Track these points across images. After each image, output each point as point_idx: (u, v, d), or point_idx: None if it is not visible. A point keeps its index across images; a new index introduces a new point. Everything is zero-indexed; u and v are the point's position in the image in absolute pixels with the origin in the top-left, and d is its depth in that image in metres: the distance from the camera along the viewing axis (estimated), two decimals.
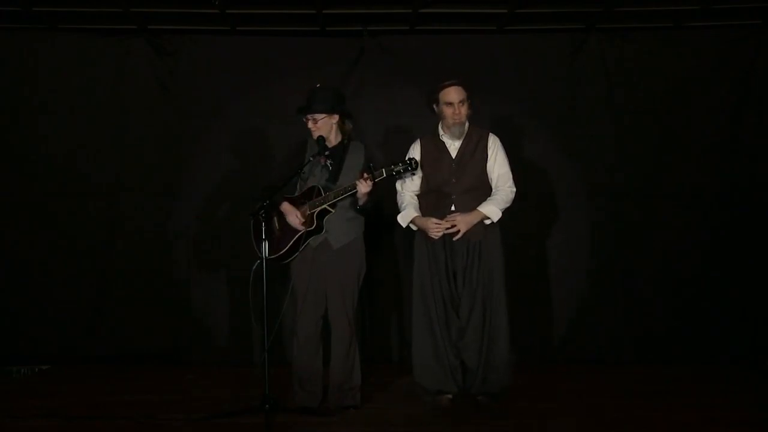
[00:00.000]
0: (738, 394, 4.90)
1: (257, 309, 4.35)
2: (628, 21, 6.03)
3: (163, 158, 6.06)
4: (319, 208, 4.36)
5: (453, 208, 4.52)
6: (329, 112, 4.46)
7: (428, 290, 4.56)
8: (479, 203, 4.52)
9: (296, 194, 4.50)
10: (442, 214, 4.52)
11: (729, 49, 5.98)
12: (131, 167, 6.05)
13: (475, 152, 4.59)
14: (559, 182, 6.03)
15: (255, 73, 6.08)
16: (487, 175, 4.60)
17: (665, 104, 6.02)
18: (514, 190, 4.60)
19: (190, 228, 6.02)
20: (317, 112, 4.43)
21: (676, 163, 5.99)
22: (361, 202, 4.38)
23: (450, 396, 4.59)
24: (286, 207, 4.43)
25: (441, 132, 4.66)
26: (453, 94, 4.54)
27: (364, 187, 4.24)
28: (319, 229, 4.40)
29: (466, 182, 4.55)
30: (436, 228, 4.47)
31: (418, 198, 4.66)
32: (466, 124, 4.64)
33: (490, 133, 4.66)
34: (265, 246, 4.28)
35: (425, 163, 4.60)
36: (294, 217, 4.38)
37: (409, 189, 4.65)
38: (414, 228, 4.64)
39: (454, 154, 4.60)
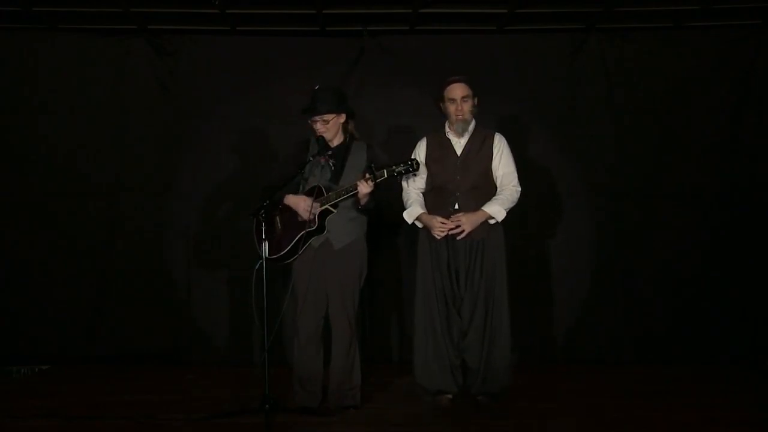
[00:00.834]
0: (738, 394, 4.90)
1: (258, 309, 4.35)
2: (628, 21, 6.03)
3: (163, 158, 6.06)
4: (320, 209, 4.36)
5: (456, 206, 4.52)
6: (337, 111, 4.46)
7: (430, 289, 4.57)
8: (483, 202, 4.52)
9: (298, 194, 4.49)
10: (445, 211, 4.52)
11: (729, 49, 5.98)
12: (131, 167, 6.05)
13: (480, 151, 4.58)
14: (559, 182, 6.03)
15: (255, 73, 6.08)
16: (492, 174, 4.59)
17: (665, 104, 6.02)
18: (519, 189, 4.60)
19: (190, 228, 6.02)
20: (328, 113, 4.43)
21: (676, 163, 5.99)
22: (362, 203, 4.38)
23: (450, 396, 4.59)
24: (291, 198, 4.42)
25: (447, 130, 4.66)
26: (456, 90, 4.55)
27: (364, 187, 4.24)
28: (320, 229, 4.39)
29: (470, 180, 4.55)
30: (440, 227, 4.47)
31: (423, 195, 4.66)
32: (472, 123, 4.63)
33: (497, 133, 4.66)
34: (265, 246, 4.27)
35: (431, 161, 4.61)
36: (303, 203, 4.35)
37: (415, 186, 4.65)
38: (419, 225, 4.64)
39: (459, 152, 4.60)
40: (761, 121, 5.96)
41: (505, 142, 4.63)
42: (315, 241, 4.43)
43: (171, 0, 5.70)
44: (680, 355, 5.84)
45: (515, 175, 4.60)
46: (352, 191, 4.30)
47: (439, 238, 4.50)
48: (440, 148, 4.62)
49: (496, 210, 4.50)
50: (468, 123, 4.58)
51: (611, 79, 6.02)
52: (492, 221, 4.53)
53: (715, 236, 5.95)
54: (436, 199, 4.59)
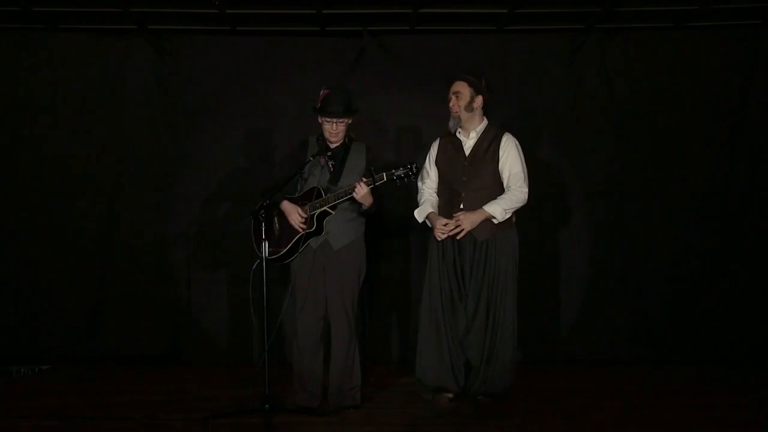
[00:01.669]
0: (738, 394, 4.90)
1: (257, 309, 4.35)
2: (628, 21, 6.03)
3: (163, 158, 6.06)
4: (319, 210, 4.36)
5: (462, 206, 4.52)
6: (353, 114, 4.47)
7: (436, 286, 4.59)
8: (488, 202, 4.52)
9: (296, 195, 4.50)
10: (452, 211, 4.53)
11: (729, 49, 5.98)
12: (131, 167, 6.05)
13: (488, 151, 4.58)
14: (558, 182, 6.03)
15: (255, 73, 6.08)
16: (498, 174, 4.59)
17: (665, 104, 6.02)
18: (526, 190, 4.58)
19: (190, 228, 6.01)
20: (349, 115, 4.43)
21: (676, 163, 5.99)
22: (364, 207, 4.38)
23: (450, 395, 4.60)
24: (286, 206, 4.43)
25: (458, 130, 4.66)
26: (452, 86, 4.59)
27: (360, 189, 4.24)
28: (319, 230, 4.40)
29: (476, 181, 4.55)
30: (441, 229, 4.49)
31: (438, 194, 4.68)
32: (483, 123, 4.63)
33: (506, 133, 4.65)
34: (265, 246, 4.27)
35: (441, 161, 4.63)
36: (296, 215, 4.38)
37: (429, 186, 4.68)
38: (429, 224, 4.65)
39: (467, 152, 4.60)
40: (761, 121, 5.95)
41: (514, 142, 4.62)
42: (314, 242, 4.43)
43: (171, 0, 5.70)
44: (680, 355, 5.84)
45: (522, 176, 4.58)
46: (350, 193, 4.30)
47: (439, 239, 4.50)
48: (451, 148, 4.64)
49: (496, 210, 4.49)
50: (460, 120, 4.58)
51: (611, 80, 6.01)
52: (495, 221, 4.52)
53: (716, 236, 5.94)
54: (444, 199, 4.61)
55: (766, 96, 5.95)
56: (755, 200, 5.94)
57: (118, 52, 6.04)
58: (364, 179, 4.26)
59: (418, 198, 4.71)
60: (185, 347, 5.99)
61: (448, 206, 4.56)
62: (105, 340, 5.97)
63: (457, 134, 4.65)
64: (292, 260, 4.46)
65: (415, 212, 4.67)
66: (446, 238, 4.51)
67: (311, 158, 4.42)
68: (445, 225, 4.48)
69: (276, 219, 4.46)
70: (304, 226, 4.37)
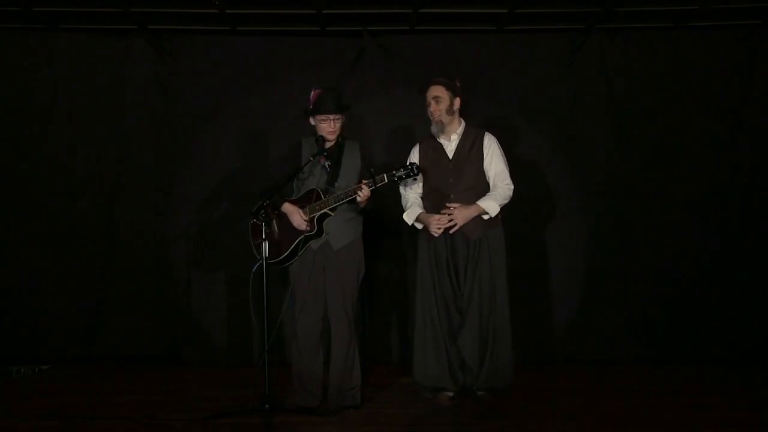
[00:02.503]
0: (738, 394, 4.90)
1: (258, 310, 4.35)
2: (628, 21, 6.03)
3: (163, 158, 6.06)
4: (319, 213, 4.36)
5: (453, 204, 4.54)
6: (346, 111, 4.48)
7: (429, 287, 4.60)
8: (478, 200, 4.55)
9: (294, 197, 4.49)
10: (441, 212, 4.55)
11: (729, 49, 5.98)
12: (131, 167, 6.05)
13: (471, 152, 4.62)
14: (558, 182, 6.03)
15: (255, 73, 6.08)
16: (484, 174, 4.62)
17: (665, 104, 6.02)
18: (512, 187, 4.62)
19: (190, 228, 6.01)
20: (342, 112, 4.44)
21: (676, 163, 5.99)
22: (361, 206, 4.39)
23: (450, 394, 4.60)
24: (288, 208, 4.42)
25: (438, 133, 4.68)
26: (429, 92, 4.60)
27: (363, 195, 4.27)
28: (319, 232, 4.40)
29: (463, 182, 4.58)
30: (436, 223, 4.49)
31: (422, 199, 4.68)
32: (462, 125, 4.67)
33: (486, 133, 4.69)
34: (265, 245, 4.27)
35: (424, 165, 4.62)
36: (298, 217, 4.37)
37: (414, 191, 4.69)
38: (419, 226, 4.66)
39: (450, 155, 4.63)
40: (761, 120, 5.95)
41: (496, 141, 4.67)
42: (314, 243, 4.43)
43: (171, 0, 5.71)
44: (680, 355, 5.84)
45: (507, 173, 4.63)
46: (351, 196, 4.30)
47: (436, 235, 4.51)
48: (433, 151, 4.65)
49: (490, 205, 4.53)
50: (443, 124, 4.60)
51: (611, 79, 6.02)
52: (486, 217, 4.54)
53: (716, 236, 5.94)
54: (432, 202, 4.61)
55: (766, 96, 5.95)
56: (755, 200, 5.94)
57: (118, 52, 6.04)
58: (365, 181, 4.27)
59: (403, 203, 4.72)
60: (185, 347, 5.99)
61: (437, 209, 4.57)
62: (105, 340, 5.97)
63: (438, 138, 4.66)
64: (291, 263, 4.46)
65: (404, 216, 4.69)
66: (440, 235, 4.52)
67: (311, 158, 4.41)
68: (439, 219, 4.49)
69: (275, 222, 4.45)
70: (308, 227, 4.37)
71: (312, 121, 4.49)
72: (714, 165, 5.97)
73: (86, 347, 5.96)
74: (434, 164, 4.62)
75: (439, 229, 4.51)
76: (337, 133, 4.47)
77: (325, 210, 4.35)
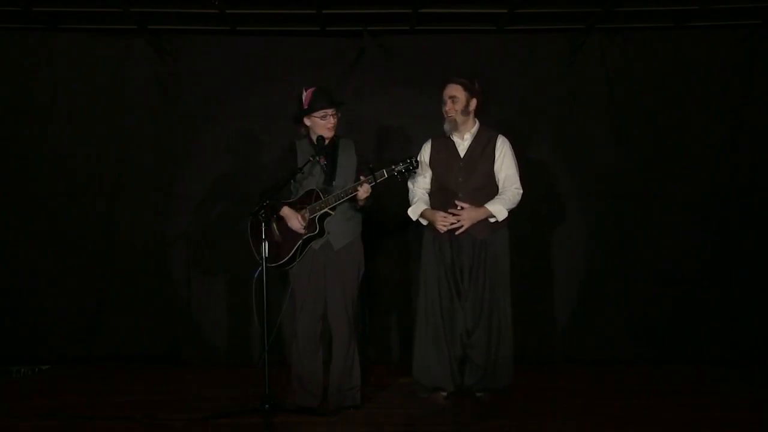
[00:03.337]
0: (738, 394, 4.90)
1: (259, 310, 4.35)
2: (629, 21, 6.03)
3: (163, 158, 6.06)
4: (320, 213, 4.36)
5: (460, 207, 4.55)
6: (341, 106, 4.49)
7: (433, 285, 4.61)
8: (485, 203, 4.56)
9: (293, 198, 4.49)
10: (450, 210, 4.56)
11: (729, 49, 5.98)
12: (131, 167, 6.05)
13: (483, 153, 4.62)
14: (558, 182, 6.03)
15: (255, 73, 6.08)
16: (494, 175, 4.63)
17: (665, 104, 6.02)
18: (521, 191, 4.64)
19: (190, 228, 6.01)
20: (338, 107, 4.45)
21: (676, 163, 5.99)
22: (361, 204, 4.39)
23: (445, 393, 4.61)
24: (286, 211, 4.42)
25: (451, 132, 4.68)
26: (446, 90, 4.61)
27: (364, 192, 4.27)
28: (321, 233, 4.39)
29: (473, 182, 4.58)
30: (443, 221, 4.50)
31: (429, 195, 4.69)
32: (476, 126, 4.68)
33: (500, 135, 4.70)
34: (265, 246, 4.27)
35: (435, 162, 4.64)
36: (296, 221, 4.37)
37: (420, 186, 4.70)
38: (423, 222, 4.66)
39: (462, 154, 4.64)
40: (761, 120, 5.95)
41: (508, 144, 4.68)
42: (315, 243, 4.43)
43: (171, 0, 5.70)
44: (680, 355, 5.84)
45: (517, 177, 4.64)
46: (351, 194, 4.30)
47: (442, 231, 4.51)
48: (445, 149, 4.65)
49: (498, 209, 4.54)
50: (456, 123, 4.60)
51: (611, 79, 6.02)
52: (492, 219, 4.55)
53: (716, 236, 5.94)
54: (440, 199, 4.62)
55: (766, 96, 5.95)
56: (755, 200, 5.94)
57: (118, 52, 6.04)
58: (364, 177, 4.27)
59: (410, 198, 4.73)
60: (185, 347, 5.99)
61: (445, 206, 4.58)
62: (105, 340, 5.97)
63: (451, 136, 4.66)
64: (293, 266, 4.45)
65: (409, 211, 4.70)
66: (446, 234, 4.53)
67: (311, 158, 4.40)
68: (445, 218, 4.51)
69: (275, 225, 4.45)
70: (305, 231, 4.37)
71: (307, 122, 4.47)
72: (714, 165, 5.97)
73: (86, 347, 5.96)
74: (445, 162, 4.63)
75: (445, 226, 4.51)
76: (334, 129, 4.47)
77: (325, 209, 4.35)
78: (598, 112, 6.03)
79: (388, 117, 6.02)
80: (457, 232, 4.52)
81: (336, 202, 4.33)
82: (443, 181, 4.62)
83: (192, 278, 5.99)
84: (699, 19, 5.97)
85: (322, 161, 4.46)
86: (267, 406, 4.15)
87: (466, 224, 4.50)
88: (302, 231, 4.36)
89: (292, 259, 4.40)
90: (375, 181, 4.28)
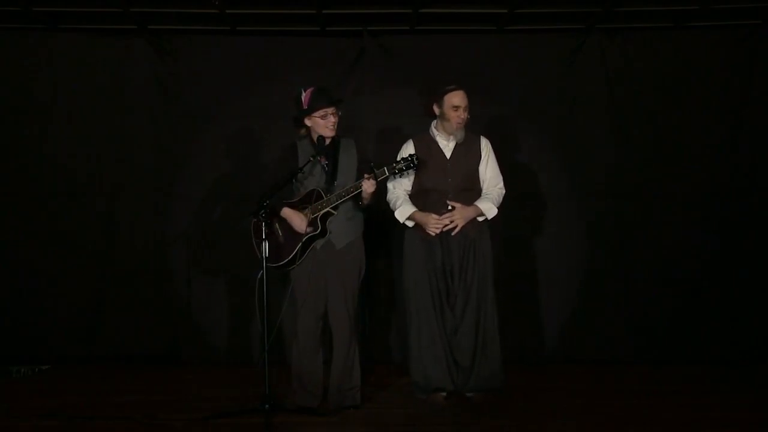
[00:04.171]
0: (738, 394, 4.90)
1: (260, 310, 4.35)
2: (629, 21, 6.03)
3: (163, 158, 6.06)
4: (322, 212, 4.36)
5: (450, 207, 4.56)
6: (341, 104, 4.49)
7: (424, 287, 4.60)
8: (472, 203, 4.59)
9: (295, 199, 4.49)
10: (440, 212, 4.57)
11: (729, 49, 5.98)
12: (131, 167, 6.05)
13: (468, 154, 4.66)
14: (558, 182, 6.03)
15: (255, 73, 6.08)
16: (478, 176, 4.66)
17: (665, 104, 6.02)
18: (504, 192, 4.71)
19: (190, 228, 6.01)
20: (338, 105, 4.45)
21: (676, 163, 5.99)
22: (365, 202, 4.39)
23: (444, 394, 4.61)
24: (287, 212, 4.42)
25: (435, 132, 4.71)
26: (460, 98, 4.62)
27: (369, 187, 4.26)
28: (323, 233, 4.39)
29: (460, 182, 4.61)
30: (435, 224, 4.50)
31: (410, 197, 4.68)
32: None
33: (482, 136, 4.75)
34: (266, 246, 4.26)
35: (420, 163, 4.62)
36: (298, 219, 4.37)
37: (401, 188, 4.69)
38: (410, 225, 4.66)
39: (448, 155, 4.66)
40: (761, 120, 5.96)
41: (491, 146, 4.74)
42: (317, 243, 4.42)
43: (171, 0, 5.70)
44: (680, 355, 5.84)
45: (500, 177, 4.72)
46: (353, 192, 4.30)
47: (434, 234, 4.51)
48: (428, 150, 4.65)
49: (489, 207, 4.60)
50: (463, 130, 4.66)
51: (611, 79, 6.02)
52: (482, 218, 4.58)
53: (716, 236, 5.94)
54: (427, 201, 4.62)
55: (766, 96, 5.95)
56: (755, 200, 5.94)
57: (118, 52, 6.04)
58: (366, 175, 4.27)
59: (391, 199, 4.70)
60: (185, 347, 5.99)
61: (433, 206, 4.58)
62: (105, 340, 5.97)
63: (435, 137, 4.67)
64: (295, 267, 4.44)
65: (396, 213, 4.68)
66: (433, 236, 4.53)
67: (312, 158, 4.40)
68: (439, 220, 4.51)
69: (277, 226, 4.45)
70: (309, 229, 4.36)
71: (308, 122, 4.47)
72: (714, 165, 5.97)
73: (86, 347, 5.96)
74: (430, 163, 4.62)
75: (438, 229, 4.51)
76: (335, 128, 4.46)
77: (327, 209, 4.35)
78: (598, 112, 6.04)
79: (388, 117, 6.02)
80: (453, 233, 4.52)
81: (338, 201, 4.33)
82: (430, 183, 4.62)
83: (192, 278, 5.99)
84: (699, 19, 5.97)
85: (323, 161, 4.46)
86: (267, 406, 4.15)
87: (461, 223, 4.52)
88: (305, 230, 4.35)
89: (294, 260, 4.40)
90: (376, 179, 4.29)
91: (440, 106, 4.66)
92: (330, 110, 4.40)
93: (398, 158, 4.43)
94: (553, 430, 4.19)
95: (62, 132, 6.01)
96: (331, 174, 4.44)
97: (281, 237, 4.42)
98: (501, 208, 4.69)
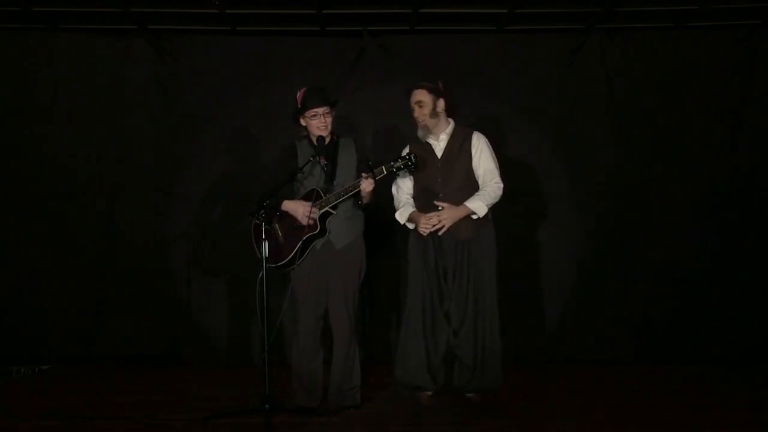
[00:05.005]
0: (738, 394, 4.90)
1: (260, 311, 4.34)
2: (629, 21, 6.03)
3: (163, 158, 6.06)
4: (321, 211, 4.35)
5: (441, 207, 4.53)
6: (334, 105, 4.48)
7: (417, 288, 4.60)
8: (466, 199, 4.55)
9: (295, 199, 4.48)
10: (431, 212, 4.55)
11: (729, 49, 5.99)
12: (131, 167, 6.05)
13: (460, 151, 4.62)
14: (558, 182, 6.03)
15: (255, 73, 6.08)
16: (473, 172, 4.62)
17: (665, 104, 6.02)
18: (501, 185, 4.59)
19: (190, 228, 6.01)
20: (330, 105, 4.44)
21: (676, 163, 6.00)
22: (364, 201, 4.39)
23: (429, 393, 4.62)
24: (289, 204, 4.41)
25: (425, 136, 4.69)
26: (412, 97, 4.61)
27: (368, 185, 4.26)
28: (322, 232, 4.39)
29: (452, 181, 4.57)
30: (424, 224, 4.50)
31: (413, 199, 4.69)
32: (450, 125, 4.66)
33: (475, 132, 4.68)
34: (266, 246, 4.26)
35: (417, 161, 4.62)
36: (302, 208, 4.34)
37: (404, 192, 4.69)
38: (410, 226, 4.66)
39: (439, 155, 4.63)
40: (761, 120, 5.96)
41: (485, 140, 4.65)
42: (317, 243, 4.42)
43: (171, 0, 5.71)
44: (680, 355, 5.84)
45: (496, 172, 4.60)
46: (353, 191, 4.30)
47: (424, 234, 4.51)
48: (422, 151, 4.63)
49: (478, 205, 4.51)
50: (428, 127, 4.60)
51: (611, 79, 6.02)
52: (474, 216, 4.53)
53: (716, 236, 5.94)
54: (422, 201, 4.62)
55: (766, 96, 5.95)
56: (755, 200, 5.94)
57: (118, 52, 6.05)
58: (365, 174, 4.27)
59: (396, 202, 4.71)
60: (185, 347, 5.99)
61: (426, 208, 4.57)
62: (105, 340, 5.97)
63: (426, 139, 4.66)
64: (295, 266, 4.44)
65: (396, 215, 4.68)
66: (429, 236, 4.52)
67: (311, 158, 4.40)
68: (428, 219, 4.49)
69: (277, 226, 4.44)
70: (313, 220, 4.34)
71: (302, 122, 4.47)
72: (714, 165, 5.98)
73: (86, 347, 5.96)
74: (423, 164, 4.60)
75: (427, 228, 4.51)
76: (329, 128, 4.46)
77: (327, 208, 4.35)
78: (598, 112, 6.04)
79: (388, 117, 6.01)
80: (440, 233, 4.51)
81: (337, 200, 4.33)
82: (424, 184, 4.61)
83: (192, 278, 5.99)
84: (699, 19, 5.98)
85: (322, 161, 4.46)
86: (267, 406, 4.14)
87: (448, 223, 4.48)
88: (310, 221, 4.33)
89: (294, 260, 4.40)
90: (374, 178, 4.28)
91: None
92: (321, 110, 4.40)
93: (404, 155, 4.40)
94: (553, 430, 4.19)
95: (62, 132, 6.02)
96: (331, 174, 4.44)
97: (281, 237, 4.42)
98: (501, 204, 4.63)
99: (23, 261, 5.97)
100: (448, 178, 4.57)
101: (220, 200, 6.04)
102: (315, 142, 4.43)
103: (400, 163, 4.31)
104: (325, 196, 4.36)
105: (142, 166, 6.05)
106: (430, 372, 4.58)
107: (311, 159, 4.40)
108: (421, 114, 4.57)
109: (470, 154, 4.61)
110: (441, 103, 4.62)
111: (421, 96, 4.58)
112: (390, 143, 5.93)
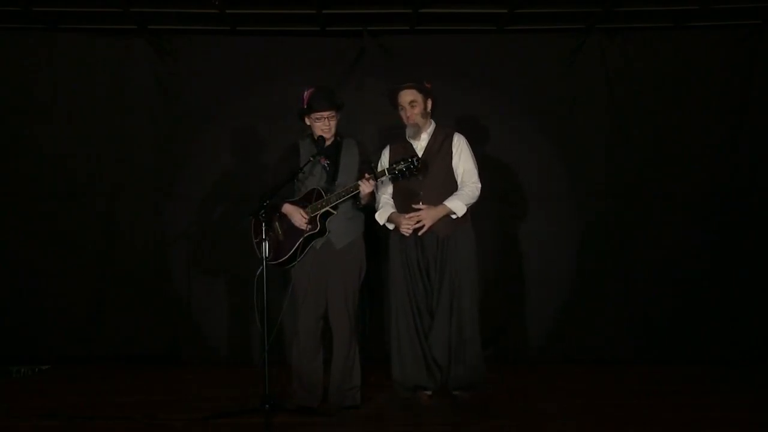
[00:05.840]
0: (738, 394, 4.90)
1: (259, 310, 4.35)
2: (629, 21, 6.04)
3: (163, 158, 6.06)
4: (321, 211, 4.35)
5: (421, 204, 4.53)
6: (340, 108, 4.48)
7: (402, 287, 4.59)
8: (446, 199, 4.55)
9: (296, 198, 4.49)
10: (411, 211, 4.54)
11: (729, 49, 5.99)
12: (131, 167, 6.05)
13: (440, 151, 4.62)
14: (558, 182, 6.03)
15: (255, 73, 6.08)
16: (452, 172, 4.62)
17: (665, 104, 6.02)
18: (480, 186, 4.59)
19: (190, 228, 6.02)
20: (337, 109, 4.44)
21: (676, 163, 6.00)
22: (363, 202, 4.39)
23: (429, 393, 4.61)
24: (288, 209, 4.42)
25: (407, 134, 4.68)
26: (402, 97, 4.60)
27: (367, 187, 4.26)
28: (322, 231, 4.39)
29: (433, 180, 4.57)
30: (405, 223, 4.49)
31: (393, 199, 4.69)
32: (431, 125, 4.66)
33: (455, 132, 4.68)
34: (265, 246, 4.27)
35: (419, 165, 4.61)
36: (299, 216, 4.37)
37: (385, 192, 4.69)
38: (390, 227, 4.66)
39: (420, 154, 4.61)
40: (761, 121, 5.96)
41: (465, 140, 4.66)
42: (317, 242, 4.43)
43: (171, 0, 5.71)
44: (680, 355, 5.84)
45: (475, 172, 4.61)
46: (353, 192, 4.30)
47: (406, 234, 4.51)
48: (403, 152, 4.63)
49: (457, 205, 4.52)
50: (419, 126, 4.60)
51: (611, 79, 6.02)
52: (454, 216, 4.53)
53: (716, 236, 5.95)
54: (401, 201, 4.61)
55: (766, 96, 5.95)
56: (755, 200, 5.94)
57: (118, 52, 6.05)
58: (367, 175, 4.27)
59: (376, 204, 4.69)
60: (185, 347, 5.99)
61: (406, 208, 4.56)
62: (105, 340, 5.97)
63: (407, 137, 4.66)
64: (294, 264, 4.44)
65: (376, 215, 4.67)
66: (410, 235, 4.51)
67: (312, 158, 4.41)
68: (409, 218, 4.49)
69: (277, 225, 4.45)
70: (308, 226, 4.36)
71: (307, 121, 4.48)
72: (714, 165, 5.98)
73: (86, 347, 5.96)
74: (426, 167, 4.60)
75: (409, 229, 4.51)
76: (333, 131, 4.46)
77: (327, 208, 4.35)
78: (598, 112, 6.04)
79: (388, 117, 5.98)
80: (420, 232, 4.51)
81: (337, 200, 4.33)
82: (404, 183, 4.58)
83: (192, 278, 5.99)
84: (699, 19, 5.98)
85: (324, 161, 4.46)
86: (267, 406, 4.14)
87: (428, 223, 4.48)
88: (305, 227, 4.35)
89: (293, 257, 4.40)
90: (376, 179, 4.29)
91: (396, 107, 4.66)
92: (327, 114, 4.40)
93: (407, 156, 4.37)
94: (553, 430, 4.19)
95: (62, 132, 6.02)
96: (332, 174, 4.45)
97: (281, 235, 4.42)
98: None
99: (23, 261, 5.97)
100: (428, 177, 4.56)
101: (220, 200, 6.04)
102: (316, 142, 4.44)
103: (402, 166, 4.30)
104: (325, 195, 4.36)
105: (142, 166, 6.05)
106: (428, 370, 4.58)
107: (311, 159, 4.40)
108: (413, 114, 4.57)
109: (450, 153, 4.61)
110: (430, 103, 4.64)
111: (414, 96, 4.58)
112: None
